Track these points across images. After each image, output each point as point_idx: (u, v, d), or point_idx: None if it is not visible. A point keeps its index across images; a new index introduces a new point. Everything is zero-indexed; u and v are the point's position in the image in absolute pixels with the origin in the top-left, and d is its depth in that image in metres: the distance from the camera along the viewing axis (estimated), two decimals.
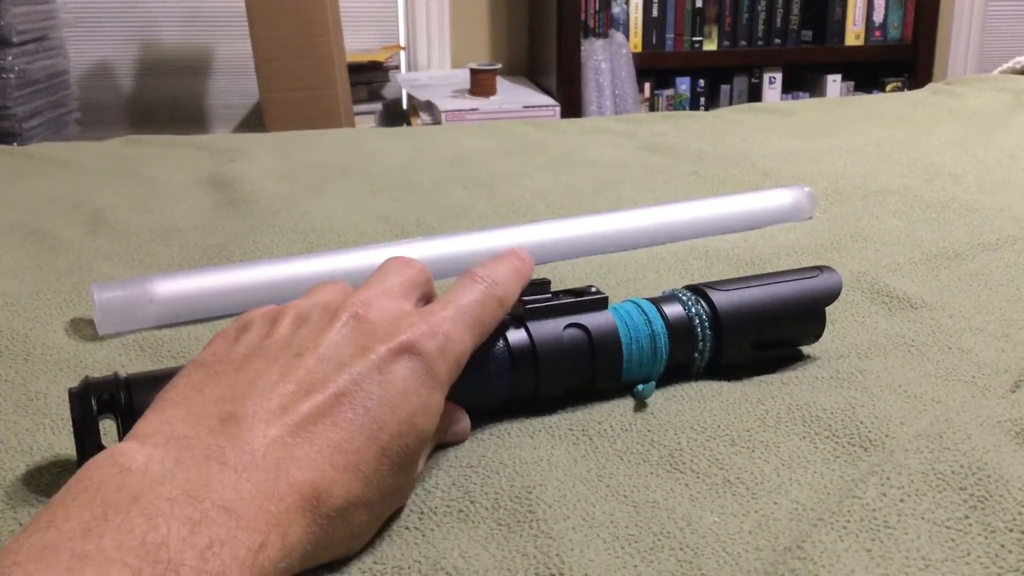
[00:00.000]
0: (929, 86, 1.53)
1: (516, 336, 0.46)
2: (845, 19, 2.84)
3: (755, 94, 2.89)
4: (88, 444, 0.39)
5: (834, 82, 2.87)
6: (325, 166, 1.01)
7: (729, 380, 0.51)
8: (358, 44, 2.78)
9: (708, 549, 0.37)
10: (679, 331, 0.49)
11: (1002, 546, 0.35)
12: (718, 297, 0.50)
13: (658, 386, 0.50)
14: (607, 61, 2.66)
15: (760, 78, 2.88)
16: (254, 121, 2.84)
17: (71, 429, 0.46)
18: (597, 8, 2.73)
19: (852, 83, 2.92)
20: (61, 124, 2.50)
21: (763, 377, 0.51)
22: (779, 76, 2.87)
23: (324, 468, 0.33)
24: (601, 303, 0.48)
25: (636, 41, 2.76)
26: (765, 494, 0.41)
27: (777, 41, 2.84)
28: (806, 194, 0.82)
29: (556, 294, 0.48)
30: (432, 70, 2.88)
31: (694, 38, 2.79)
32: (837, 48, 2.84)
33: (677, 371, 0.50)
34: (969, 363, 0.53)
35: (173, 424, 0.33)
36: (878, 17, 2.85)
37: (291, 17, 2.22)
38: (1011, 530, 0.35)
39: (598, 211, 0.79)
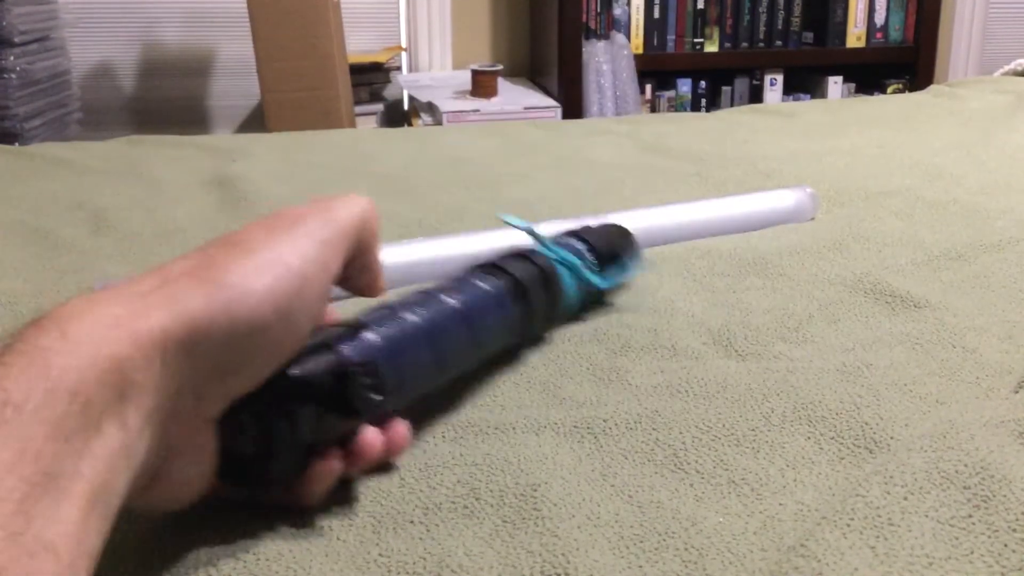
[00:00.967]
0: (930, 88, 1.53)
1: (500, 277, 0.51)
2: (846, 21, 2.84)
3: (756, 96, 2.88)
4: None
5: (835, 84, 2.87)
6: (326, 167, 1.01)
7: (734, 368, 0.51)
8: (359, 45, 2.78)
9: (713, 549, 0.37)
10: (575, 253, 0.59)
11: (1005, 545, 0.35)
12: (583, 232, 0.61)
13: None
14: (608, 62, 2.66)
15: (761, 80, 2.87)
16: (255, 122, 2.84)
17: None
18: (598, 9, 2.73)
19: (853, 85, 2.92)
20: (63, 124, 2.50)
21: (766, 376, 0.51)
22: (780, 78, 2.87)
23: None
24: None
25: (637, 42, 2.76)
26: (770, 495, 0.41)
27: (778, 43, 2.84)
28: (808, 195, 0.82)
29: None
30: (433, 71, 2.88)
31: (695, 40, 2.79)
32: (838, 50, 2.84)
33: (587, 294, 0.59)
34: (973, 364, 0.53)
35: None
36: (879, 19, 2.85)
37: (293, 18, 2.22)
38: (1014, 530, 0.35)
39: (599, 212, 0.79)
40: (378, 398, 0.40)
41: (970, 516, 0.36)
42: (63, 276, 0.68)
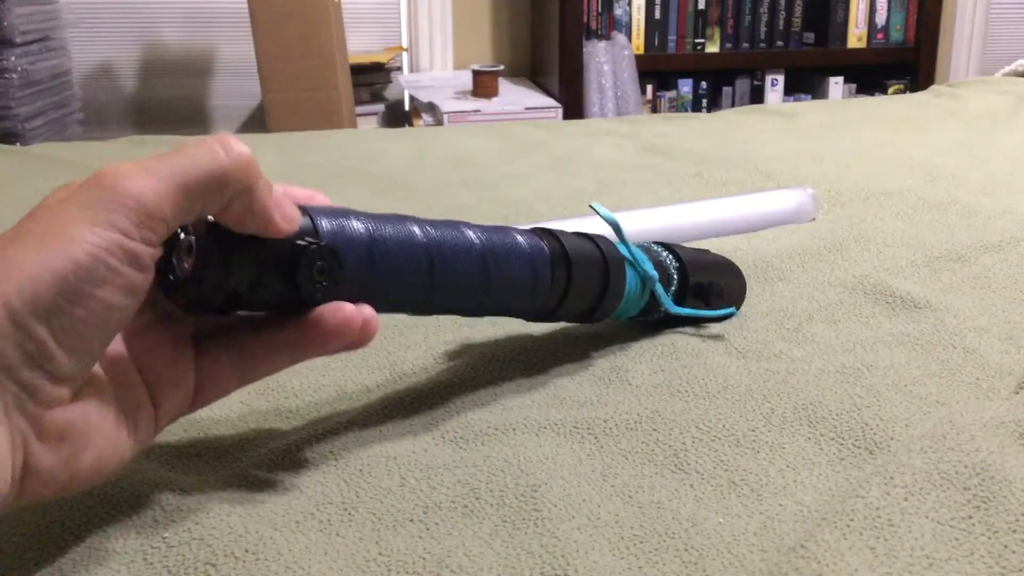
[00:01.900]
0: (931, 88, 1.53)
1: (550, 243, 0.49)
2: (847, 21, 2.84)
3: (757, 96, 2.89)
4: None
5: (836, 84, 2.87)
6: (327, 167, 1.01)
7: (735, 368, 0.51)
8: (360, 45, 2.78)
9: (713, 550, 0.37)
10: (656, 265, 0.56)
11: (1005, 546, 0.35)
12: (676, 247, 0.58)
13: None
14: (609, 63, 2.66)
15: (762, 80, 2.88)
16: (256, 122, 2.84)
17: None
18: (599, 10, 2.73)
19: (854, 85, 2.92)
20: (64, 125, 2.50)
21: (767, 376, 0.51)
22: (781, 78, 2.87)
23: None
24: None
25: (638, 43, 2.76)
26: (770, 496, 0.41)
27: (779, 43, 2.84)
28: (809, 196, 0.82)
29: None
30: (434, 71, 2.88)
31: (696, 40, 2.79)
32: (839, 50, 2.84)
33: (647, 309, 0.56)
34: (973, 364, 0.53)
35: None
36: (880, 19, 2.85)
37: (294, 18, 2.22)
38: (1014, 531, 0.35)
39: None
40: (324, 283, 0.38)
41: (970, 517, 0.36)
42: None
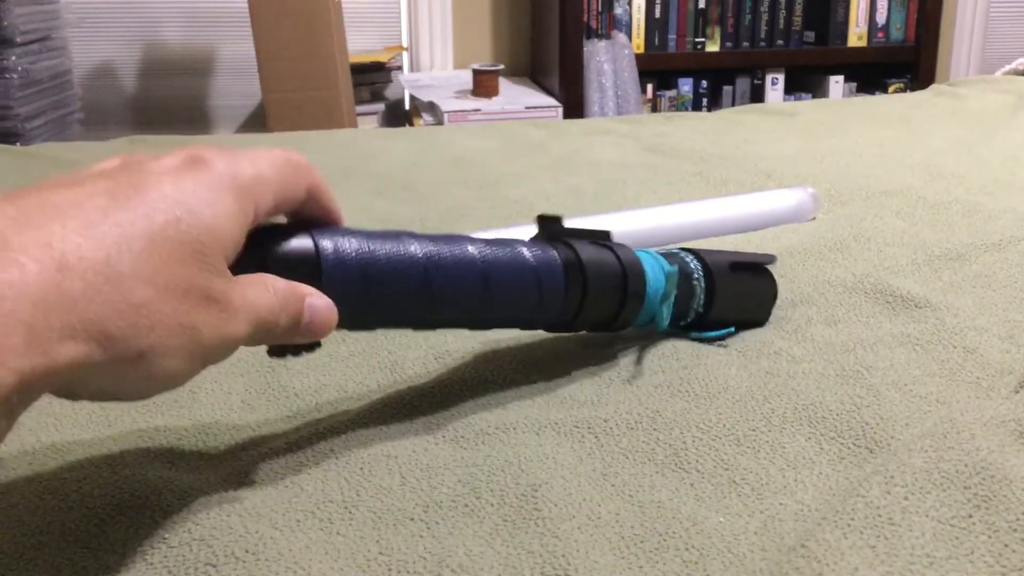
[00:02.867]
0: (932, 87, 1.53)
1: (563, 252, 0.48)
2: (847, 20, 2.84)
3: (757, 95, 2.88)
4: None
5: (836, 83, 2.87)
6: (328, 167, 1.01)
7: (735, 368, 0.51)
8: (361, 45, 2.78)
9: (713, 550, 0.37)
10: (682, 278, 0.54)
11: (1006, 545, 0.35)
12: (709, 257, 0.56)
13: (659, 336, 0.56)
14: (609, 62, 2.66)
15: (762, 79, 2.87)
16: (257, 121, 2.84)
17: (72, 428, 0.47)
18: (599, 9, 2.73)
19: (854, 84, 2.92)
20: (64, 124, 2.50)
21: (768, 376, 0.51)
22: (781, 77, 2.87)
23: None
24: (606, 235, 0.53)
25: (638, 42, 2.76)
26: (770, 495, 0.41)
27: (779, 42, 2.83)
28: (809, 195, 0.82)
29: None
30: (435, 71, 2.88)
31: (696, 39, 2.79)
32: (839, 49, 2.84)
33: (674, 319, 0.55)
34: (973, 363, 0.53)
35: None
36: (880, 18, 2.85)
37: (294, 18, 2.22)
38: (1015, 530, 0.35)
39: (601, 212, 0.79)
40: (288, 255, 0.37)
41: (970, 516, 0.36)
42: None
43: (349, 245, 0.40)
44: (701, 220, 0.78)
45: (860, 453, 0.44)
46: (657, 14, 2.76)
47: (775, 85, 2.87)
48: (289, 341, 0.38)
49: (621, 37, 2.70)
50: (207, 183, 0.34)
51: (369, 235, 0.41)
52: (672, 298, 0.53)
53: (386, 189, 0.92)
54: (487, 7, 2.88)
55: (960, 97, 1.39)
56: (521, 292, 0.46)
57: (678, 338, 0.57)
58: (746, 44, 2.82)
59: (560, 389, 0.50)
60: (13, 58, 2.22)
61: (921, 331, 0.57)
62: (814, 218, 0.82)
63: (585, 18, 2.68)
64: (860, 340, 0.56)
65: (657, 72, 2.83)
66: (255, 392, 0.51)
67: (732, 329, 0.57)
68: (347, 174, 0.98)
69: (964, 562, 0.34)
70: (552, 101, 2.55)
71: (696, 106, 2.85)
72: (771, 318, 0.60)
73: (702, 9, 2.77)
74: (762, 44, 2.83)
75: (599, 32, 2.74)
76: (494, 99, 2.50)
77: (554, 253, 0.48)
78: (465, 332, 0.58)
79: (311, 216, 0.41)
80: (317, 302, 0.38)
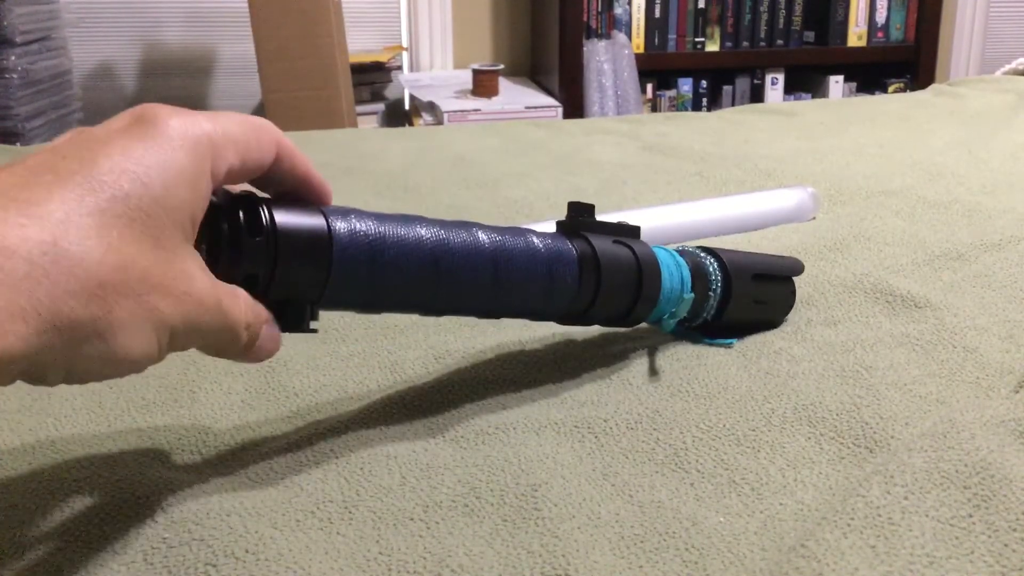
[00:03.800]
0: (931, 87, 1.53)
1: (579, 245, 0.48)
2: (847, 20, 2.84)
3: (757, 95, 2.88)
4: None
5: (836, 83, 2.86)
6: (328, 166, 1.01)
7: (735, 368, 0.51)
8: (361, 44, 2.78)
9: (713, 549, 0.37)
10: (697, 273, 0.54)
11: (1005, 545, 0.35)
12: (731, 266, 0.56)
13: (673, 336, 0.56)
14: (609, 62, 2.66)
15: (762, 79, 2.87)
16: None
17: (72, 428, 0.47)
18: (599, 9, 2.73)
19: (854, 84, 2.92)
20: (64, 124, 2.50)
21: (768, 376, 0.51)
22: (781, 77, 2.87)
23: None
24: (636, 231, 0.53)
25: (638, 42, 2.76)
26: (770, 495, 0.41)
27: (779, 42, 2.83)
28: (809, 195, 0.82)
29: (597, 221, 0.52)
30: (434, 71, 2.88)
31: (696, 39, 2.79)
32: (839, 49, 2.84)
33: (680, 321, 0.55)
34: (973, 363, 0.53)
35: None
36: (880, 18, 2.85)
37: (294, 17, 2.22)
38: (1015, 529, 0.35)
39: (601, 211, 0.79)
40: (255, 239, 0.36)
41: (970, 516, 0.36)
42: None
43: (360, 226, 0.39)
44: (701, 220, 0.78)
45: (860, 453, 0.44)
46: (657, 14, 2.76)
47: (775, 85, 2.87)
48: (233, 358, 0.37)
49: (621, 37, 2.70)
50: (157, 145, 0.32)
51: (379, 217, 0.41)
52: (682, 309, 0.53)
53: (386, 189, 0.92)
54: (487, 7, 2.88)
55: (960, 97, 1.39)
56: (531, 282, 0.46)
57: (679, 340, 0.57)
58: (746, 44, 2.82)
59: (560, 389, 0.50)
60: (13, 58, 2.22)
61: (921, 331, 0.57)
62: (814, 218, 0.82)
63: (585, 18, 2.67)
64: (860, 340, 0.56)
65: (657, 72, 2.83)
66: (255, 392, 0.51)
67: (733, 341, 0.56)
68: (347, 174, 0.98)
69: (964, 562, 0.34)
70: (552, 101, 2.55)
71: (696, 106, 2.85)
72: None
73: (702, 9, 2.77)
74: (762, 44, 2.83)
75: (599, 32, 2.74)
76: (494, 99, 2.50)
77: (569, 246, 0.48)
78: (466, 332, 0.58)
79: (284, 183, 0.39)
80: (272, 331, 0.38)
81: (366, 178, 0.96)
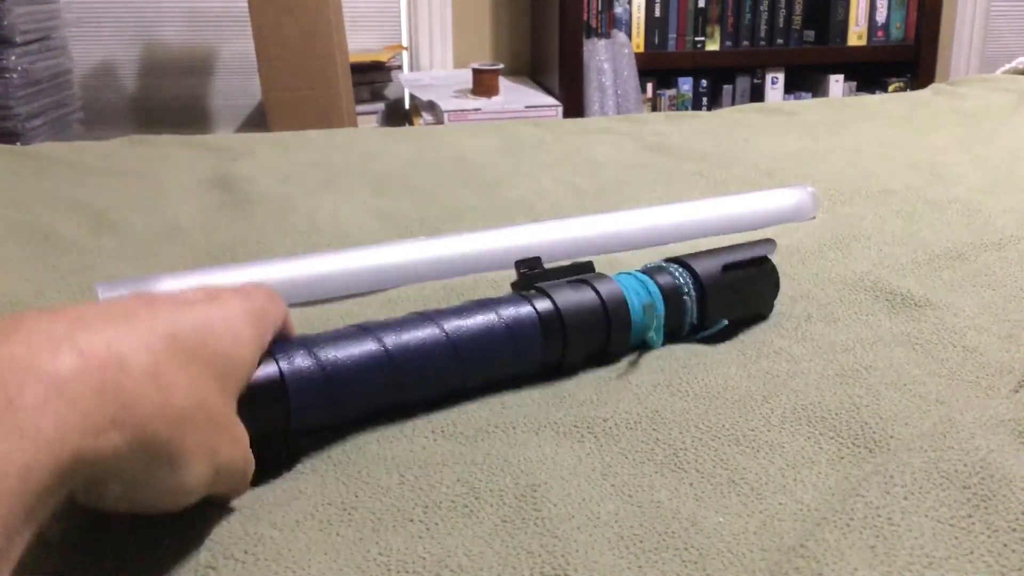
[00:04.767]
0: (931, 86, 1.53)
1: (537, 300, 0.50)
2: (847, 19, 2.84)
3: (757, 94, 2.88)
4: None
5: (836, 82, 2.86)
6: (328, 166, 1.01)
7: (735, 368, 0.51)
8: (360, 44, 2.78)
9: (713, 550, 0.37)
10: (666, 285, 0.55)
11: (1005, 545, 0.35)
12: (699, 265, 0.56)
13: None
14: (609, 61, 2.66)
15: (762, 78, 2.87)
16: (257, 121, 2.84)
17: None
18: (599, 8, 2.73)
19: (854, 83, 2.92)
20: (64, 124, 2.50)
21: (767, 376, 0.51)
22: (781, 76, 2.87)
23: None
24: (589, 267, 0.54)
25: (638, 41, 2.76)
26: (770, 494, 0.41)
27: (779, 41, 2.83)
28: (809, 194, 0.82)
29: (547, 269, 0.53)
30: (434, 70, 2.88)
31: (696, 38, 2.79)
32: (839, 48, 2.84)
33: (670, 334, 0.55)
34: (973, 363, 0.53)
35: None
36: (880, 17, 2.85)
37: (294, 17, 2.22)
38: (1014, 529, 0.35)
39: (601, 211, 0.79)
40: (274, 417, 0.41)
41: (970, 516, 0.36)
42: (64, 276, 0.69)
43: (308, 361, 0.42)
44: (701, 219, 0.78)
45: (859, 453, 0.44)
46: (657, 13, 2.76)
47: (775, 84, 2.87)
48: (228, 494, 0.40)
49: (621, 36, 2.70)
50: (227, 315, 0.38)
51: (334, 337, 0.44)
52: (659, 322, 0.53)
53: (387, 188, 0.92)
54: (487, 7, 2.88)
55: (960, 96, 1.39)
56: (496, 353, 0.48)
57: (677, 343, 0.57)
58: (746, 43, 2.82)
59: (560, 389, 0.50)
60: (13, 58, 2.22)
61: (921, 330, 0.57)
62: (814, 217, 0.82)
63: (585, 17, 2.67)
64: (860, 339, 0.56)
65: (657, 71, 2.82)
66: None
67: (724, 322, 0.56)
68: (347, 174, 0.98)
69: (963, 562, 0.34)
70: (552, 100, 2.55)
71: (696, 105, 2.85)
72: (771, 316, 0.60)
73: (702, 8, 2.77)
74: (762, 43, 2.83)
75: (599, 31, 2.74)
76: (494, 98, 2.50)
77: (528, 307, 0.49)
78: None
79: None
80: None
81: (366, 178, 0.96)
